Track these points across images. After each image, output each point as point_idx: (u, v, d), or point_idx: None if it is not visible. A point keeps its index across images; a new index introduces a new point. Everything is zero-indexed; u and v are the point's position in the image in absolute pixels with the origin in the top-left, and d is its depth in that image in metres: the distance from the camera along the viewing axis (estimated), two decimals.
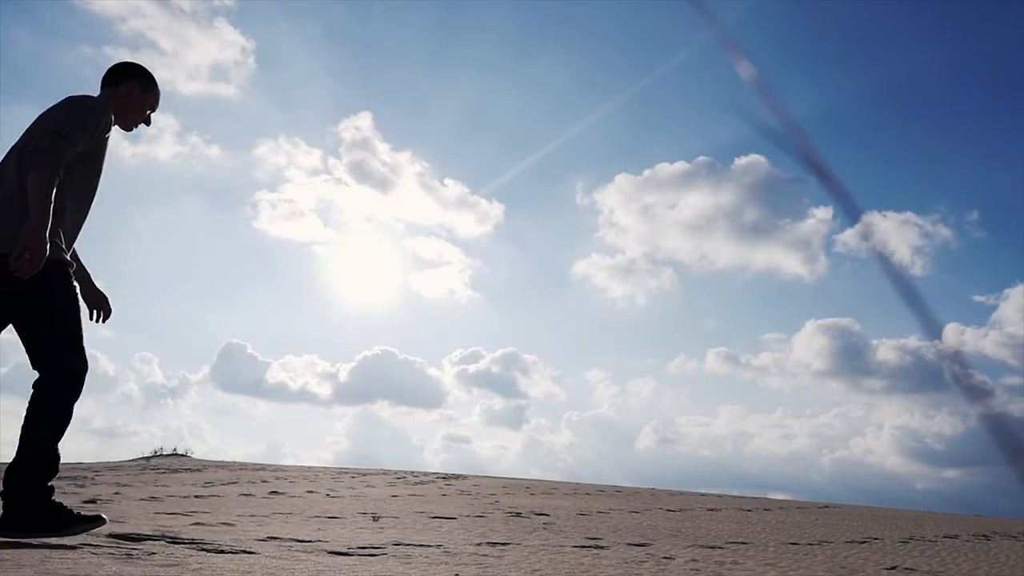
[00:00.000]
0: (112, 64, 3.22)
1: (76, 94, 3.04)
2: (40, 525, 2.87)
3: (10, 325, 2.95)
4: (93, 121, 2.92)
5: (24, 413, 2.92)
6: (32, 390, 2.93)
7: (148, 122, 3.24)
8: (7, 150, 3.04)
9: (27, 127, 3.01)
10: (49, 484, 2.92)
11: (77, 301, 2.97)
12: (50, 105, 3.02)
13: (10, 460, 2.93)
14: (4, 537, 2.82)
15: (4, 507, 2.86)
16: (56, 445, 2.94)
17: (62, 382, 2.92)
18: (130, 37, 29.45)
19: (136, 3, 29.50)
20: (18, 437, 2.92)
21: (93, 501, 6.05)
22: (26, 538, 2.87)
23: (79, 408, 3.05)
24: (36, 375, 2.95)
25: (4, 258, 2.71)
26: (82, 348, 2.95)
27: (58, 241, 2.86)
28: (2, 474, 2.93)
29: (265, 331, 34.60)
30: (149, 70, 3.21)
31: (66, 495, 6.70)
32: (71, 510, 2.97)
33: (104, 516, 3.14)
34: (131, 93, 3.15)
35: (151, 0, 29.38)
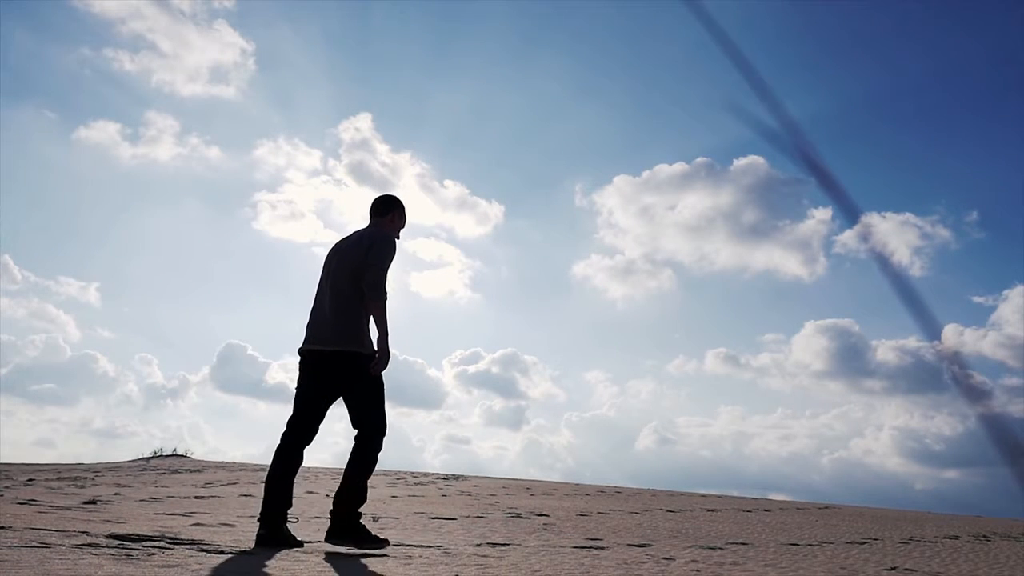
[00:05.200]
0: (377, 196, 4.37)
1: (380, 231, 4.16)
2: (351, 538, 3.82)
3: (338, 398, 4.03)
4: (393, 253, 4.11)
5: (348, 458, 3.98)
6: (355, 442, 3.97)
7: (399, 236, 4.33)
8: (331, 270, 4.13)
9: (343, 247, 4.13)
10: (359, 510, 3.92)
11: (382, 380, 4.03)
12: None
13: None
14: (327, 544, 3.83)
15: (332, 522, 3.88)
16: (367, 482, 3.98)
17: (374, 438, 3.97)
18: (130, 39, 29.50)
19: (136, 5, 29.56)
20: (342, 475, 3.96)
21: (93, 502, 6.04)
22: (342, 546, 3.81)
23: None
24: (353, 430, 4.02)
25: (350, 355, 3.92)
26: (384, 414, 4.02)
27: (369, 341, 4.03)
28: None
29: (265, 332, 34.58)
30: (402, 200, 4.37)
31: (66, 495, 6.70)
32: (369, 531, 3.93)
33: (389, 540, 4.05)
34: (394, 221, 4.32)
35: (151, 2, 29.43)
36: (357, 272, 4.00)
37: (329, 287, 4.09)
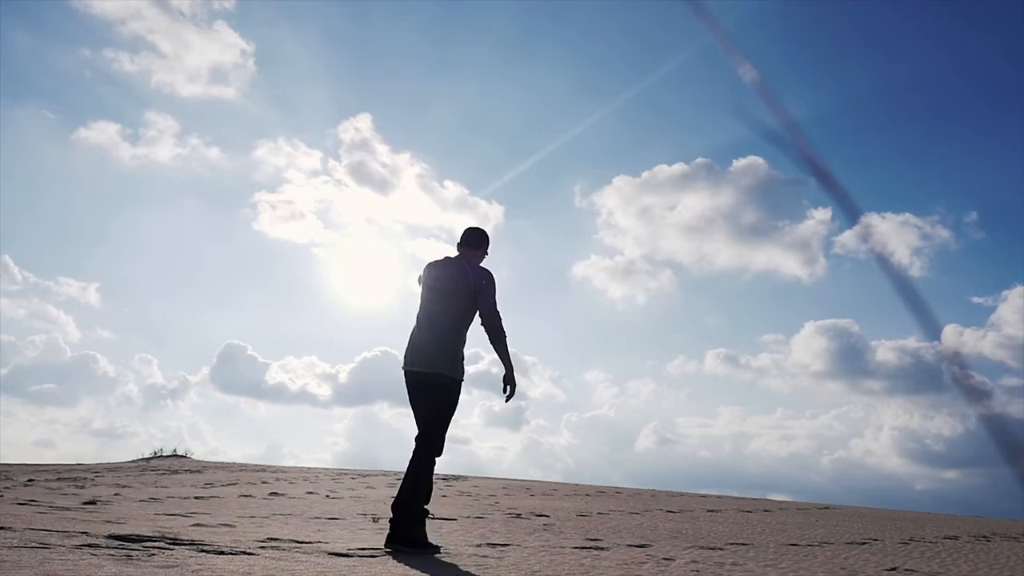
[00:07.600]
0: (469, 227, 4.74)
1: (482, 268, 4.55)
2: (411, 544, 4.04)
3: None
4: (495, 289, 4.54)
5: (407, 467, 4.26)
6: (415, 457, 4.23)
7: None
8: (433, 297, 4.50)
9: (443, 278, 4.48)
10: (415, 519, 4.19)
11: (455, 406, 4.40)
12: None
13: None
14: (391, 548, 4.00)
15: (392, 529, 4.10)
16: (424, 493, 4.23)
17: (433, 458, 4.28)
18: (130, 40, 29.50)
19: (136, 5, 29.58)
20: (400, 486, 4.22)
21: (93, 502, 6.04)
22: (403, 549, 3.99)
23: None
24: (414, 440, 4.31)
25: (438, 376, 4.31)
26: (445, 437, 4.36)
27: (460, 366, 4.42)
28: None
29: (265, 332, 34.62)
30: (488, 234, 4.74)
31: (66, 496, 6.70)
32: (425, 538, 4.16)
33: (440, 546, 4.21)
34: (485, 255, 4.69)
35: (151, 2, 29.45)
36: (461, 304, 4.42)
37: (427, 314, 4.51)
